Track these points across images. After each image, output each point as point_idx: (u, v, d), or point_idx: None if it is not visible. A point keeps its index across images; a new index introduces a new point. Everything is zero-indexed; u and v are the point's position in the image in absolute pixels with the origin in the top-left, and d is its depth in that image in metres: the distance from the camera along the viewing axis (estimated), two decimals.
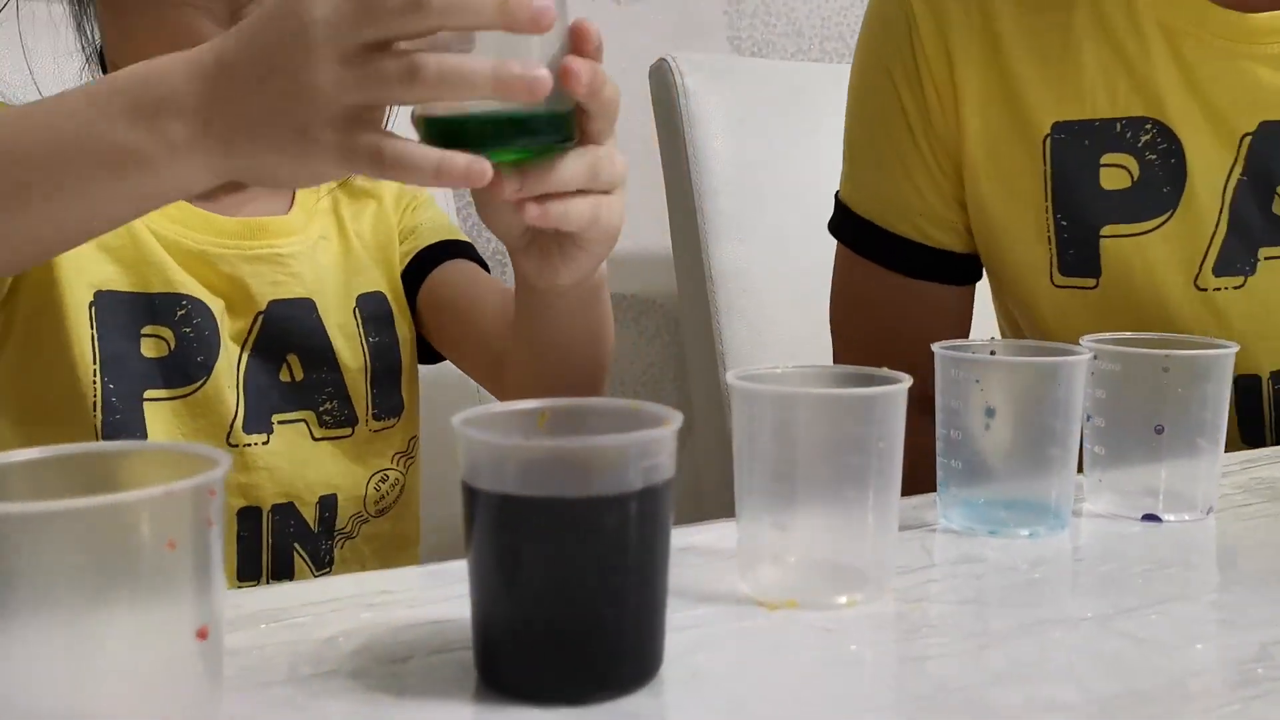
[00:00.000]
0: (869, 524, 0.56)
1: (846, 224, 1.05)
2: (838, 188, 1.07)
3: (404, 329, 0.90)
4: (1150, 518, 0.69)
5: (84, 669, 0.35)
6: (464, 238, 0.97)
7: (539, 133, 0.58)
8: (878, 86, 1.01)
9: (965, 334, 1.06)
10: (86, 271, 0.77)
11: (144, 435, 0.77)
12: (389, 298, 0.90)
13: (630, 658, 0.45)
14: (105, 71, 0.87)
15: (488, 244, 1.62)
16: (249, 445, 0.80)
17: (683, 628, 0.52)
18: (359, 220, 0.91)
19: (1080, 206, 0.93)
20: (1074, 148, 0.93)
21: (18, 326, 0.77)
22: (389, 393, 0.88)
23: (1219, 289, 0.91)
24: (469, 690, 0.46)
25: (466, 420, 0.46)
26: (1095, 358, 0.70)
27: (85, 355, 0.76)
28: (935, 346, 0.68)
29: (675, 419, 0.46)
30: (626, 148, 1.85)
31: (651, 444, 0.44)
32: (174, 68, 0.55)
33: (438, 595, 0.56)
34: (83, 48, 0.89)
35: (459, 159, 0.53)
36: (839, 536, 0.57)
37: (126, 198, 0.58)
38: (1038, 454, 0.66)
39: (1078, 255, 0.94)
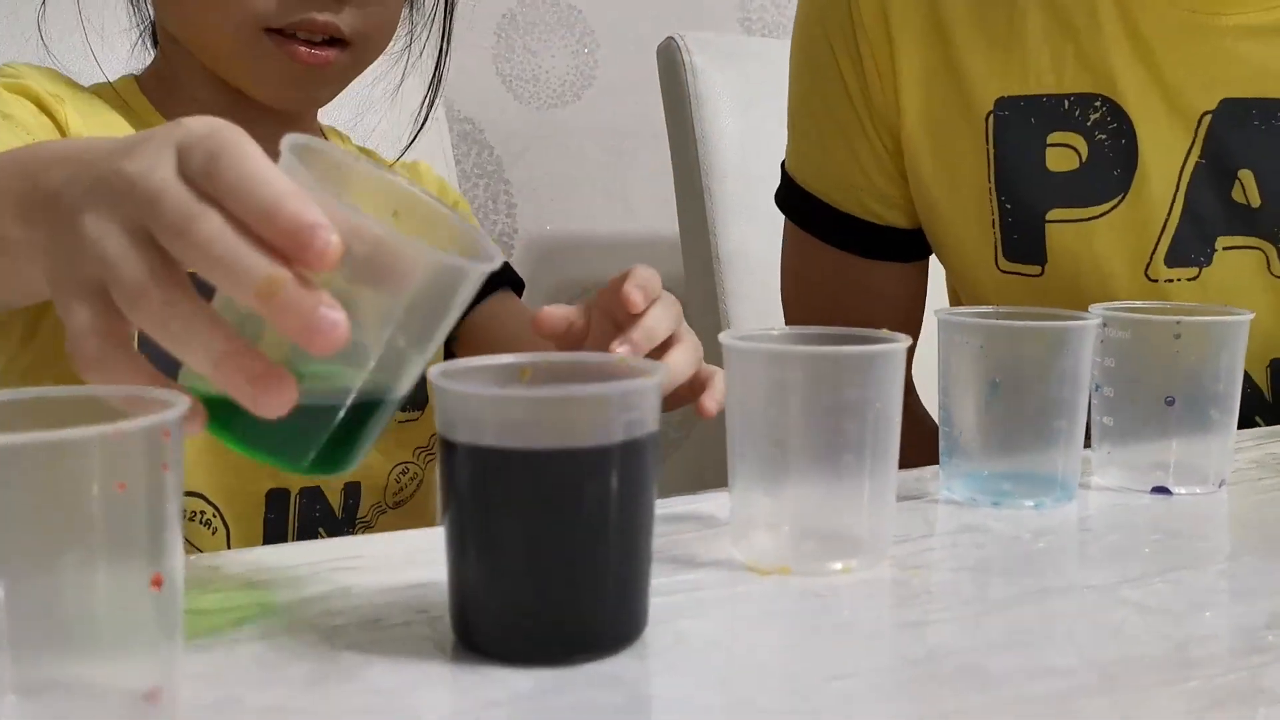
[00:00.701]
0: (865, 491, 0.54)
1: (792, 197, 1.01)
2: (783, 158, 1.02)
3: None
4: (1160, 490, 0.67)
5: (29, 615, 0.34)
6: (501, 256, 0.95)
7: (264, 450, 0.44)
8: (818, 56, 0.96)
9: (919, 312, 1.03)
10: None
11: None
12: None
13: (612, 619, 0.44)
14: (156, 46, 0.87)
15: (493, 228, 1.60)
16: None
17: (670, 592, 0.50)
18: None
19: (1024, 189, 0.88)
20: (1019, 125, 0.88)
21: (48, 319, 0.75)
22: (416, 386, 0.87)
23: (1171, 280, 0.86)
24: (445, 651, 0.44)
25: (443, 372, 0.44)
26: (1105, 324, 0.68)
27: None
28: (938, 311, 0.66)
29: (658, 371, 0.44)
30: (633, 128, 1.85)
31: (633, 395, 0.43)
32: (60, 161, 0.47)
33: (418, 560, 0.55)
34: (137, 23, 0.88)
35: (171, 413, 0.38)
36: (834, 504, 0.55)
37: (11, 284, 0.53)
38: (1043, 425, 0.64)
39: (1022, 240, 0.90)
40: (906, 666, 0.44)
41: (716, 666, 0.44)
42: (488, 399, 0.43)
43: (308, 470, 0.44)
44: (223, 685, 0.41)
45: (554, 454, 0.42)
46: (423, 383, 0.86)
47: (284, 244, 0.39)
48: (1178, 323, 0.66)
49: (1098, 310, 0.68)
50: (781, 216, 1.17)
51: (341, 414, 0.44)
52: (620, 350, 0.61)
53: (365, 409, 0.44)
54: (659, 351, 0.67)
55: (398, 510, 0.87)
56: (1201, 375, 0.67)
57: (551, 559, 0.42)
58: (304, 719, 0.39)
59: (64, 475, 0.33)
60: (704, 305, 1.39)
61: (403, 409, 0.85)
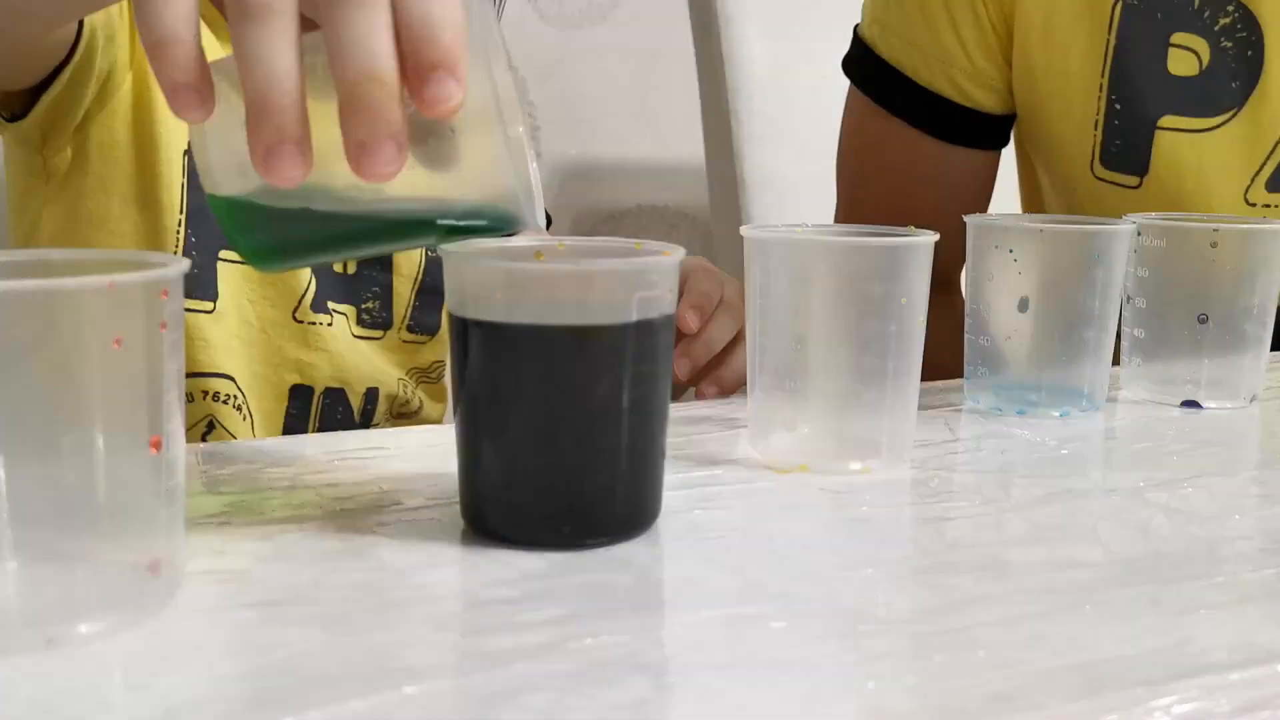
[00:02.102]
0: (887, 392, 0.53)
1: (867, 66, 0.93)
2: (858, 21, 0.95)
3: None
4: (1190, 404, 0.66)
5: (25, 475, 0.33)
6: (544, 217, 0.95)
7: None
8: None
9: (985, 206, 0.97)
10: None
11: (215, 293, 0.75)
12: None
13: (624, 502, 0.43)
14: None
15: None
16: (314, 324, 0.79)
17: (686, 486, 0.49)
18: None
19: (1140, 89, 0.83)
20: (1145, 19, 0.83)
21: (71, 188, 0.73)
22: (429, 310, 0.86)
23: (1269, 205, 0.83)
24: (456, 535, 0.43)
25: (456, 247, 0.43)
26: (1140, 233, 0.66)
27: (174, 204, 0.73)
28: (968, 215, 0.64)
29: (677, 251, 0.43)
30: (660, 49, 1.82)
31: (648, 272, 0.41)
32: None
33: (433, 453, 0.54)
34: None
35: (190, 90, 0.37)
36: (855, 405, 0.54)
37: None
38: (1073, 334, 0.62)
39: (1125, 146, 0.85)
40: (925, 557, 0.43)
41: (730, 553, 0.43)
42: (501, 270, 0.41)
43: (249, 253, 0.42)
44: (230, 559, 0.40)
45: (566, 330, 0.41)
46: (437, 311, 0.86)
47: (415, 64, 0.36)
48: (1215, 230, 0.64)
49: (1133, 218, 0.66)
50: (813, 140, 1.14)
51: (327, 236, 0.42)
52: (678, 366, 0.65)
53: (339, 246, 0.42)
54: (720, 357, 0.68)
55: (399, 422, 0.87)
56: (1238, 287, 0.65)
57: (564, 439, 0.41)
58: (311, 593, 0.38)
59: (59, 327, 0.32)
60: (729, 233, 1.37)
61: (411, 330, 0.85)
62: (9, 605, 0.35)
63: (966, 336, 0.65)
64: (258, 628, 0.36)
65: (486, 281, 0.41)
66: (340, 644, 0.35)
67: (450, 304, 0.43)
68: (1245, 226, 0.65)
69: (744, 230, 0.53)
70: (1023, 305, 0.63)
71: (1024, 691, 0.33)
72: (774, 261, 0.52)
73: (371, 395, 0.83)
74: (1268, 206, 0.83)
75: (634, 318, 0.41)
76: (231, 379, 0.77)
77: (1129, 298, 0.67)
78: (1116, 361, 0.66)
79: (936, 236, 0.53)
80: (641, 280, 0.41)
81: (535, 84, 1.58)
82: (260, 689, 0.32)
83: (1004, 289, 0.63)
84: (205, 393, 0.75)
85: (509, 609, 0.37)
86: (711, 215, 1.43)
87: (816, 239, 0.52)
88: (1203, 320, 0.65)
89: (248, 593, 0.38)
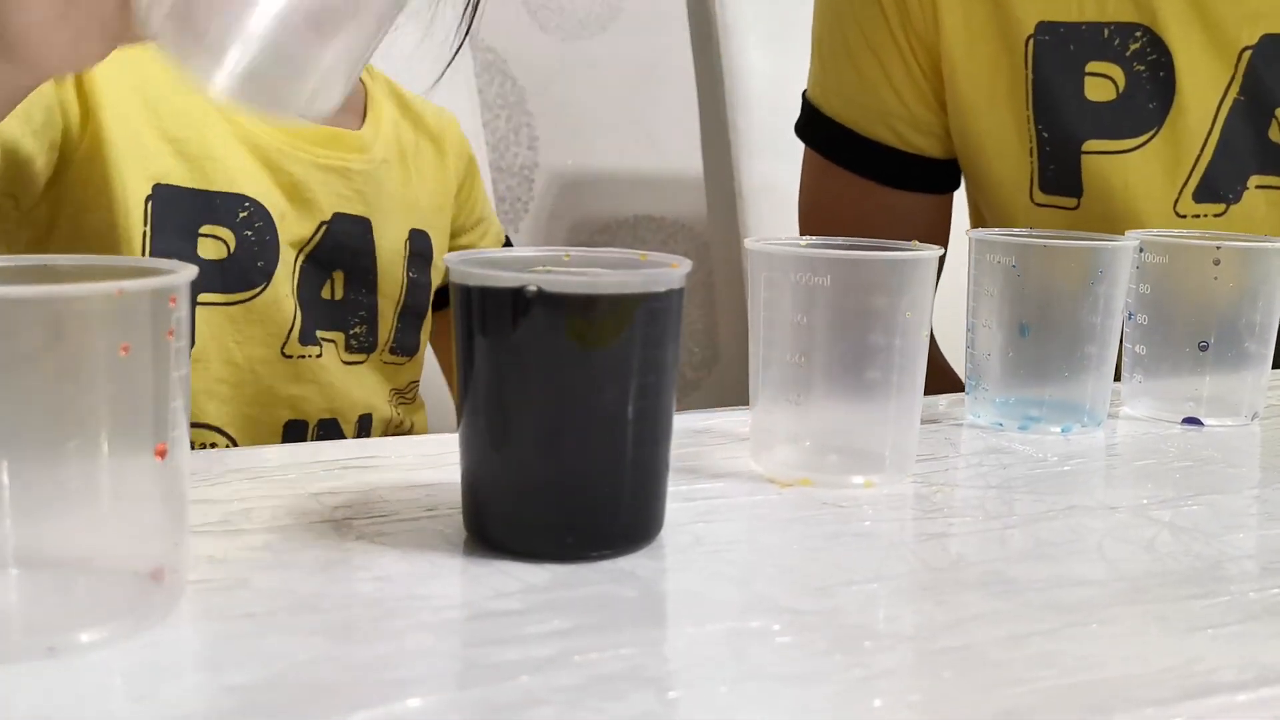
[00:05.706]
0: (890, 406, 0.53)
1: (815, 126, 0.99)
2: (805, 86, 1.00)
3: (436, 277, 0.88)
4: (1191, 421, 0.66)
5: (31, 481, 0.33)
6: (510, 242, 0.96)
7: None
8: None
9: (944, 245, 0.98)
10: (147, 163, 0.71)
11: (192, 339, 0.74)
12: (433, 243, 0.87)
13: (628, 514, 0.42)
14: None
15: (514, 160, 1.58)
16: (303, 357, 0.78)
17: (689, 499, 0.49)
18: (419, 157, 0.87)
19: (1062, 118, 0.87)
20: (1058, 52, 0.87)
21: (64, 222, 0.71)
22: (410, 331, 0.86)
23: (1198, 216, 0.85)
24: (458, 546, 0.43)
25: (464, 260, 0.43)
26: (1142, 249, 0.66)
27: (135, 255, 0.71)
28: (970, 231, 0.65)
29: (684, 264, 0.43)
30: (660, 60, 1.81)
31: (655, 284, 0.41)
32: None
33: (432, 463, 0.54)
34: None
35: None
36: (858, 419, 0.54)
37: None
38: (1074, 350, 0.62)
39: (1059, 171, 0.88)
40: (929, 573, 0.42)
41: (734, 567, 0.43)
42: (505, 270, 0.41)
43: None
44: (231, 568, 0.40)
45: (572, 339, 0.40)
46: (417, 332, 0.86)
47: None
48: (1218, 248, 0.65)
49: (1135, 235, 0.66)
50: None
51: None
52: None
53: None
54: None
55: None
56: (1239, 304, 0.65)
57: (567, 449, 0.41)
58: (312, 601, 0.38)
59: (67, 333, 0.32)
60: (727, 245, 1.37)
61: (393, 352, 0.85)
62: (10, 612, 0.34)
63: (968, 351, 0.65)
64: (260, 637, 0.35)
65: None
66: (343, 654, 0.34)
67: (451, 275, 0.42)
68: (1247, 245, 0.65)
69: (748, 243, 0.53)
70: (1024, 320, 0.63)
71: (1033, 710, 0.32)
72: (778, 274, 0.52)
73: (364, 422, 0.82)
74: (1197, 217, 0.86)
75: (640, 329, 0.41)
76: (216, 429, 0.75)
77: (1130, 314, 0.67)
78: (1118, 378, 0.66)
79: (942, 251, 0.53)
80: (648, 285, 0.41)
81: (534, 94, 1.58)
82: (263, 699, 0.32)
83: (1006, 304, 0.63)
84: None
85: (513, 621, 0.37)
86: (709, 226, 1.43)
87: (821, 252, 0.52)
88: (1203, 348, 0.66)
89: (249, 602, 0.38)
